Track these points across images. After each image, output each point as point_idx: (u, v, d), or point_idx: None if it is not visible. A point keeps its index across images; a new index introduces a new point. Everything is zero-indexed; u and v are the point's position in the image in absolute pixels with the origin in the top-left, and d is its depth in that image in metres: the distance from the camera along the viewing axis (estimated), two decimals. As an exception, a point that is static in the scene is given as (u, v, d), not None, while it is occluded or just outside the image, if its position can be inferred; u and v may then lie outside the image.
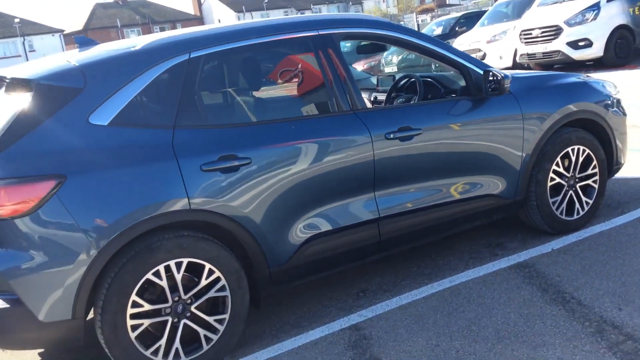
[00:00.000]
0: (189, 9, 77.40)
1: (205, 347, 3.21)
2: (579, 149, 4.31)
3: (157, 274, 3.05)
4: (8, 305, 2.87)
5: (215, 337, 3.23)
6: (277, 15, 74.72)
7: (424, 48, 3.93)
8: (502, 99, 3.99)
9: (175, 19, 72.43)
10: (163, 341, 3.10)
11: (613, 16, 11.92)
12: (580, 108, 4.28)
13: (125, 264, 2.97)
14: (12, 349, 3.27)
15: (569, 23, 12.07)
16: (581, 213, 4.41)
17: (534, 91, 4.19)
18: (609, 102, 4.49)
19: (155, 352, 3.09)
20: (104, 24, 66.15)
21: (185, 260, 3.10)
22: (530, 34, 12.52)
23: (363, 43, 5.26)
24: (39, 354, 3.60)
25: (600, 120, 4.39)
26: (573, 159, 4.31)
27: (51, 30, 62.70)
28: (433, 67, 6.08)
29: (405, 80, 4.57)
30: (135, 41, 3.37)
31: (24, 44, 58.61)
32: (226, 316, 3.24)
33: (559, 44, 12.07)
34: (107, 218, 2.92)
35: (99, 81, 3.08)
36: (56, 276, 2.87)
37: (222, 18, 75.42)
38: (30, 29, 60.36)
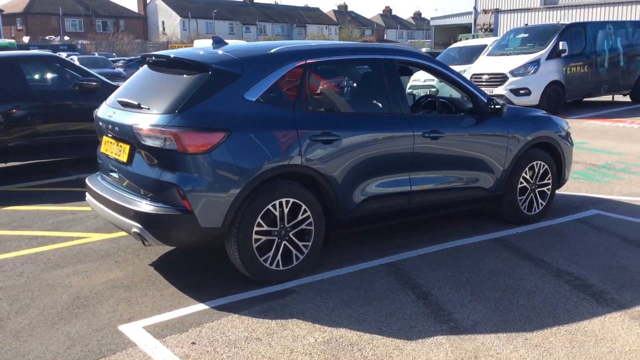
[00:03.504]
0: (134, 6, 77.09)
1: (294, 263, 4.59)
2: (540, 164, 6.03)
3: (273, 207, 4.42)
4: (180, 213, 4.17)
5: (301, 257, 4.62)
6: (222, 25, 75.95)
7: (449, 77, 5.54)
8: (496, 120, 5.63)
9: (119, 14, 72.00)
10: (271, 253, 4.47)
11: (549, 72, 14.17)
12: (544, 134, 6.00)
13: (257, 196, 4.33)
14: (172, 245, 4.51)
15: (513, 73, 14.22)
16: (537, 210, 6.10)
17: (516, 119, 5.86)
18: (563, 133, 6.25)
19: (265, 260, 4.45)
20: (45, 10, 64.93)
21: (291, 200, 4.50)
22: (480, 78, 14.55)
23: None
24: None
25: (556, 145, 6.13)
26: (536, 170, 6.02)
27: (-11, 9, 60.93)
28: (428, 91, 7.67)
29: (426, 98, 6.17)
30: (269, 45, 4.79)
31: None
32: (309, 243, 4.64)
33: (503, 90, 14.15)
34: (253, 162, 4.28)
35: (250, 71, 4.46)
36: (217, 197, 4.20)
37: (166, 20, 75.62)
38: (-33, 3, 58.41)
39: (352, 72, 5.30)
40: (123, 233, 5.73)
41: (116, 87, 8.77)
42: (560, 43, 14.23)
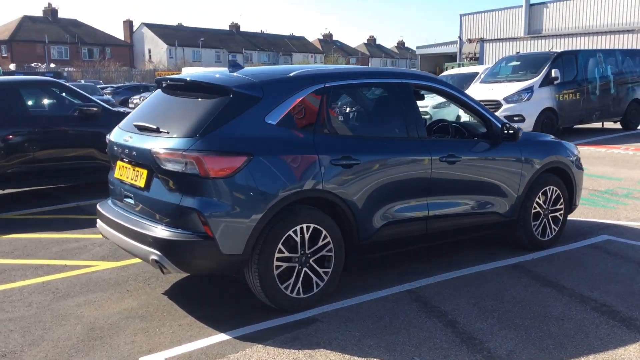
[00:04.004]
0: (120, 34, 77.32)
1: (315, 290, 4.47)
2: (552, 189, 5.99)
3: (294, 232, 4.32)
4: (201, 240, 4.05)
5: (321, 284, 4.50)
6: (209, 53, 76.29)
7: (464, 102, 5.51)
8: (510, 145, 5.60)
9: (105, 42, 72.06)
10: (291, 280, 4.35)
11: (543, 99, 14.30)
12: (557, 159, 5.98)
13: (278, 221, 4.23)
14: (191, 272, 4.34)
15: (507, 100, 14.32)
16: (550, 236, 6.05)
17: (529, 143, 5.84)
18: (574, 158, 6.24)
19: (286, 287, 4.33)
20: (31, 37, 64.77)
21: (312, 226, 4.40)
22: (475, 104, 14.61)
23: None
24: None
25: (568, 170, 6.11)
26: (549, 195, 5.98)
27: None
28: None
29: (439, 122, 6.13)
30: (288, 68, 4.73)
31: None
32: (329, 270, 4.53)
33: (498, 117, 14.21)
34: (275, 187, 4.19)
35: (271, 94, 4.39)
36: (239, 222, 4.09)
37: (153, 48, 75.80)
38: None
39: (369, 96, 5.26)
40: (131, 261, 5.59)
41: (118, 112, 8.70)
42: (553, 70, 14.40)
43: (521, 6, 38.96)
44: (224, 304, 4.59)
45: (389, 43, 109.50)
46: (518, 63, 15.80)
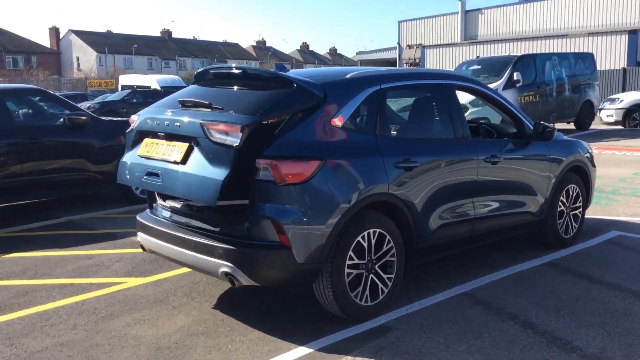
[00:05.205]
0: (46, 42, 74.27)
1: (380, 297, 4.35)
2: (574, 187, 6.11)
3: (363, 238, 4.19)
4: (277, 249, 3.85)
5: (386, 290, 4.39)
6: (141, 60, 74.39)
7: (499, 103, 5.54)
8: (539, 145, 5.66)
9: (31, 50, 69.00)
10: (360, 288, 4.21)
11: (506, 102, 14.65)
12: (578, 158, 6.11)
13: (349, 227, 4.09)
14: (263, 284, 4.08)
15: (472, 104, 14.54)
16: (572, 233, 6.16)
17: (556, 143, 5.91)
18: (589, 156, 6.39)
19: (356, 296, 4.19)
20: (-50, 45, 61.26)
21: (377, 231, 4.28)
22: (441, 108, 14.85)
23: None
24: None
25: (586, 168, 6.25)
26: (571, 193, 6.09)
27: None
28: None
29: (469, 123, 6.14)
30: (341, 70, 4.61)
31: None
32: (392, 275, 4.43)
33: (464, 119, 14.48)
34: (347, 192, 4.05)
35: (334, 96, 4.24)
36: (314, 229, 3.92)
37: (82, 56, 73.30)
38: None
39: (419, 97, 5.20)
40: (160, 275, 5.30)
41: (107, 121, 8.31)
42: (515, 74, 14.83)
43: (457, 13, 40.09)
44: (283, 314, 4.40)
45: (322, 50, 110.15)
46: (479, 67, 16.19)
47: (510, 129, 5.80)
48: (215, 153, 3.88)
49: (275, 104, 4.01)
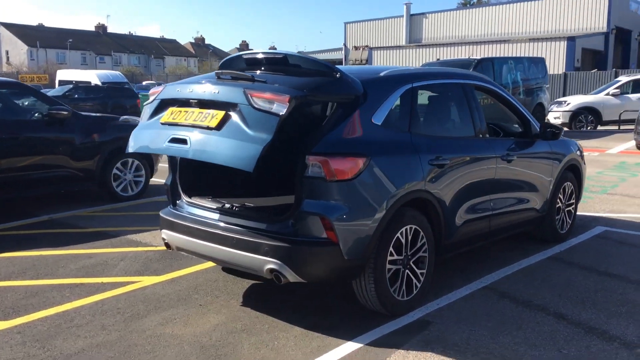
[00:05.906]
0: (-28, 34, 70.68)
1: (414, 292, 4.39)
2: (569, 184, 6.35)
3: (401, 234, 4.22)
4: (325, 246, 3.82)
5: (419, 285, 4.43)
6: (75, 55, 71.93)
7: (510, 104, 5.70)
8: (543, 144, 5.85)
9: (-44, 42, 65.56)
10: (398, 283, 4.24)
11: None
12: (573, 156, 6.34)
13: (390, 223, 4.11)
14: (309, 280, 4.02)
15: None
16: (566, 229, 6.40)
17: (556, 142, 6.12)
18: (580, 154, 6.65)
19: (394, 291, 4.21)
20: None
21: (413, 227, 4.32)
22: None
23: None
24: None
25: (579, 165, 6.50)
26: (567, 190, 6.32)
27: None
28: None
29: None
30: (373, 68, 4.64)
31: None
32: (424, 271, 4.48)
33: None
34: (390, 188, 4.06)
35: (372, 94, 4.24)
36: (361, 225, 3.91)
37: (11, 50, 70.29)
38: None
39: (444, 96, 5.26)
40: (176, 274, 5.16)
41: (89, 117, 8.02)
42: (475, 76, 15.18)
43: (402, 16, 40.82)
44: (316, 311, 4.37)
45: (262, 48, 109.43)
46: (439, 68, 16.49)
47: (515, 128, 5.96)
48: (256, 120, 3.68)
49: (321, 85, 4.01)
